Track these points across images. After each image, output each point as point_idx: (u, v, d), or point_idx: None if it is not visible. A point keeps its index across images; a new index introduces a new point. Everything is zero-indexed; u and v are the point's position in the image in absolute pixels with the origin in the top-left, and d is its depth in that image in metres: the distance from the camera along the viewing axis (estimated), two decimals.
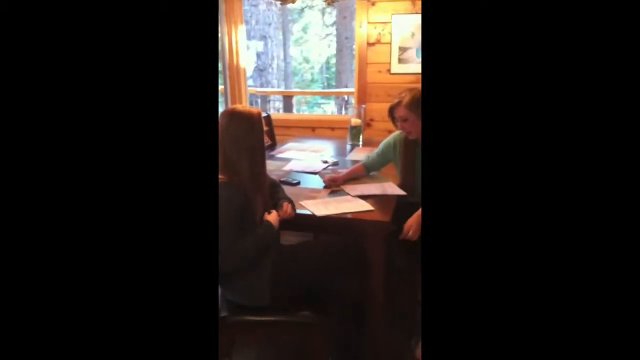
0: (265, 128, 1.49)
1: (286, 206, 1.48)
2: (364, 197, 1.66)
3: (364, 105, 3.00)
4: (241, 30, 3.17)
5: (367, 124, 3.11)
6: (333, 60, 8.67)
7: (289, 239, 1.69)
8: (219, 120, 1.37)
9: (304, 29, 9.86)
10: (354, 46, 3.36)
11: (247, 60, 3.35)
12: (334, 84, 8.41)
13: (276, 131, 2.85)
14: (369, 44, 3.04)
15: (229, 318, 1.38)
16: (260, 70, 7.31)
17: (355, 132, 2.65)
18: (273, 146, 2.69)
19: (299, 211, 1.53)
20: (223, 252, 1.31)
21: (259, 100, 5.21)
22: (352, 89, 3.27)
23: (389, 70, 3.03)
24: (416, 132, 1.71)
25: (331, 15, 8.74)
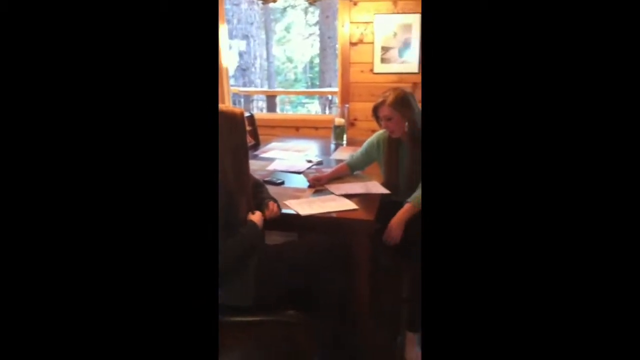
0: (248, 128, 1.48)
1: (272, 205, 1.48)
2: (348, 196, 1.66)
3: (347, 105, 3.00)
4: (222, 29, 3.14)
5: (351, 123, 3.12)
6: (317, 60, 8.67)
7: (274, 238, 1.68)
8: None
9: (287, 29, 9.83)
10: (337, 46, 3.36)
11: (229, 60, 3.33)
12: (317, 83, 8.42)
13: (260, 131, 2.83)
14: (352, 44, 3.05)
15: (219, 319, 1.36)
16: (243, 70, 7.27)
17: (339, 131, 2.66)
18: (257, 146, 2.67)
19: (283, 211, 1.52)
20: None
21: (242, 100, 5.18)
22: (336, 89, 3.27)
23: (371, 70, 3.04)
24: (400, 131, 1.73)
25: (314, 14, 8.74)
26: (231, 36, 6.83)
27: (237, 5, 6.92)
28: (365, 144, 1.94)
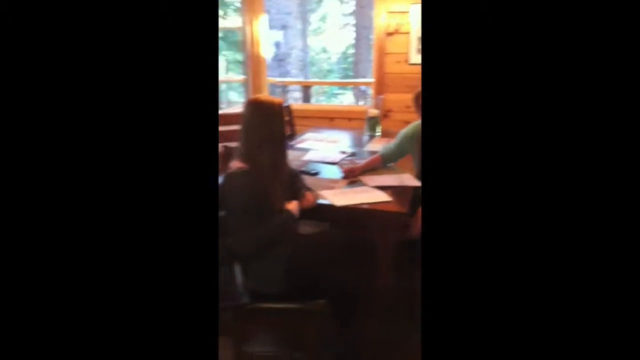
0: (286, 118, 1.51)
1: (309, 195, 1.51)
2: (381, 188, 1.68)
3: (382, 96, 2.99)
4: (262, 20, 3.19)
5: (385, 114, 3.10)
6: (351, 50, 8.60)
7: (304, 228, 1.72)
8: (243, 109, 1.40)
9: (322, 19, 9.78)
10: (371, 36, 3.34)
11: (266, 51, 3.37)
12: (351, 74, 8.36)
13: (295, 121, 2.88)
14: (388, 34, 3.03)
15: (247, 305, 1.41)
16: (279, 60, 7.32)
17: (372, 122, 2.66)
18: (292, 136, 2.72)
19: (317, 201, 1.56)
20: (240, 238, 1.35)
21: (279, 91, 5.23)
22: (370, 80, 3.27)
23: (407, 61, 3.01)
24: None
25: (349, 4, 8.65)
26: (270, 26, 6.88)
27: None
28: (398, 136, 1.94)
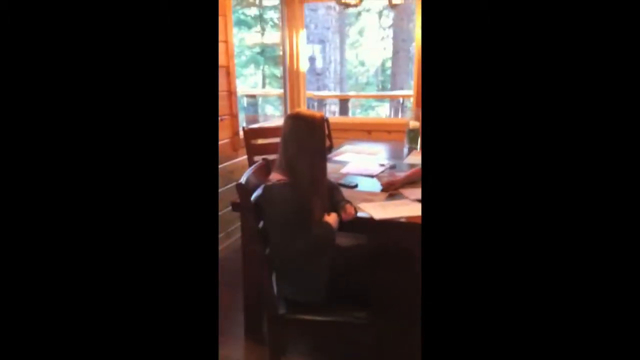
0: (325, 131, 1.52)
1: (349, 208, 1.51)
2: (421, 201, 1.65)
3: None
4: (302, 35, 3.25)
5: None
6: (388, 63, 8.61)
7: (342, 240, 1.71)
8: (284, 122, 1.43)
9: (360, 32, 9.87)
10: (410, 48, 3.33)
11: (305, 64, 3.43)
12: (388, 86, 8.35)
13: (332, 134, 2.89)
14: None
15: (287, 315, 1.42)
16: (317, 74, 7.43)
17: (413, 135, 2.63)
18: (330, 149, 2.73)
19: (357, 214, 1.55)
20: (279, 250, 1.37)
21: (316, 104, 5.29)
22: (408, 92, 3.24)
23: None
24: None
25: (388, 17, 8.69)
26: (308, 41, 7.02)
27: (315, 10, 7.09)
28: None
